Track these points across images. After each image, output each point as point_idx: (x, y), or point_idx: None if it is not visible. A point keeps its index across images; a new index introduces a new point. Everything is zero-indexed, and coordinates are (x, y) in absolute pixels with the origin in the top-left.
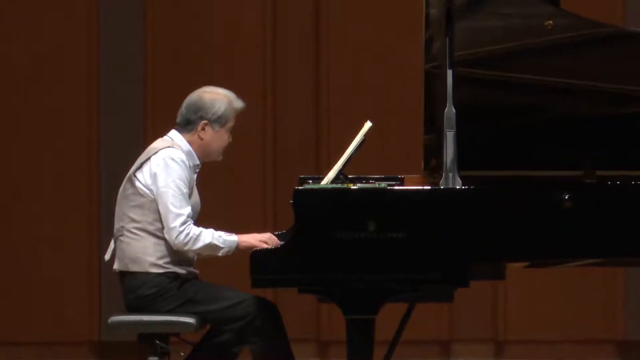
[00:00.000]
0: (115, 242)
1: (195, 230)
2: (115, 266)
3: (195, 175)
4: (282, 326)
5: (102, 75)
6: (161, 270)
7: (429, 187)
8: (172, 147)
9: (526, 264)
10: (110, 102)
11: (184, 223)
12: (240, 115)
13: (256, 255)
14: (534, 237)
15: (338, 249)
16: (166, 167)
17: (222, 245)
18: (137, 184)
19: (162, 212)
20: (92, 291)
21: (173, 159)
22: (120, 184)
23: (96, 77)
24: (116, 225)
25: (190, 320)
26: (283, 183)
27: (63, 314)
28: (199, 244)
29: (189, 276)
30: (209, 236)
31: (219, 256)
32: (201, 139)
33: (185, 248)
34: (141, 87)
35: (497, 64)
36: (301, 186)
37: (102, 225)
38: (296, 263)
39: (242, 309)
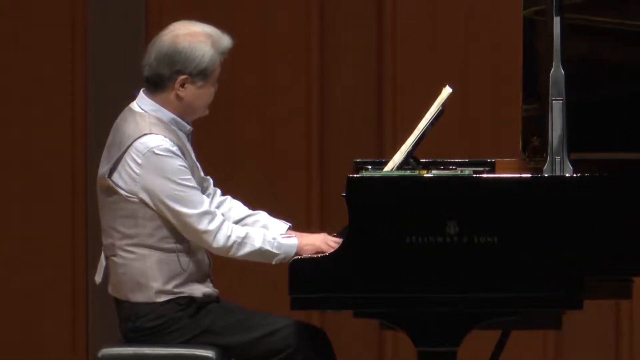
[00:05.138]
0: (106, 260)
1: (237, 230)
2: (110, 291)
3: (189, 144)
4: None
5: (90, 50)
6: (170, 297)
7: (528, 175)
8: (150, 133)
9: None
10: (98, 76)
11: (212, 220)
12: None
13: (296, 266)
14: None
15: (406, 258)
16: (152, 167)
17: (276, 251)
18: (119, 189)
19: (174, 221)
20: (77, 315)
21: (155, 154)
22: None
23: (83, 51)
24: (104, 241)
25: (208, 353)
26: (333, 170)
27: (37, 346)
28: (246, 250)
29: (207, 299)
30: (259, 239)
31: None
32: (180, 98)
33: (229, 254)
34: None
35: (622, 9)
36: (357, 174)
37: (89, 226)
38: (350, 277)
39: (280, 339)
